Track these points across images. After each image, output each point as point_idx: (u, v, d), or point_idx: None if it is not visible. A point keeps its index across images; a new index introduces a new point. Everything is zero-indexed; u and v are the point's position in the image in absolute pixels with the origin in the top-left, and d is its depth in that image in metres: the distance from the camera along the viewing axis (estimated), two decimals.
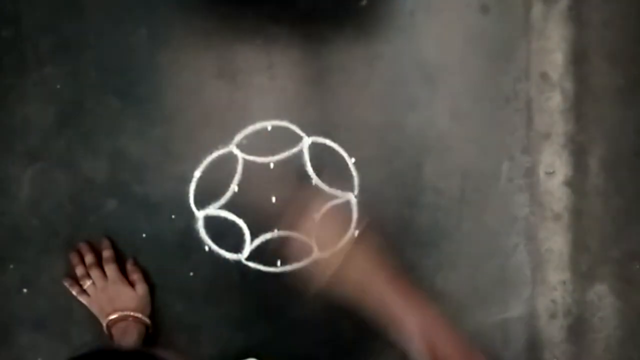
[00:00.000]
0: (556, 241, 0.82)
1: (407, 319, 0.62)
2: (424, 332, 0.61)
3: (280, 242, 0.79)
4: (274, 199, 0.80)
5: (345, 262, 0.69)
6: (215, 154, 0.79)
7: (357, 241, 0.74)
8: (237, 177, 0.80)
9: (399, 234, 0.81)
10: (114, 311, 0.75)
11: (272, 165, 0.80)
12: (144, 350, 0.44)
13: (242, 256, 0.81)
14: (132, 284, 0.78)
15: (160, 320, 0.81)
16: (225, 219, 0.80)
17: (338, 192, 0.80)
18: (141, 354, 0.43)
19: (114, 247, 0.79)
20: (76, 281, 0.78)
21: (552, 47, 0.80)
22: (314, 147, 0.80)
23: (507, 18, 0.79)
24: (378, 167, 0.80)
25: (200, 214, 0.80)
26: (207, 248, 0.80)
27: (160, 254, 0.80)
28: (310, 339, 0.82)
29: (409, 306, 0.63)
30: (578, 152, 0.81)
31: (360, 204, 0.80)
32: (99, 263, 0.78)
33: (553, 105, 0.81)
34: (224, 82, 0.79)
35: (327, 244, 0.74)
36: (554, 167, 0.81)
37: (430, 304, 0.65)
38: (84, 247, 0.79)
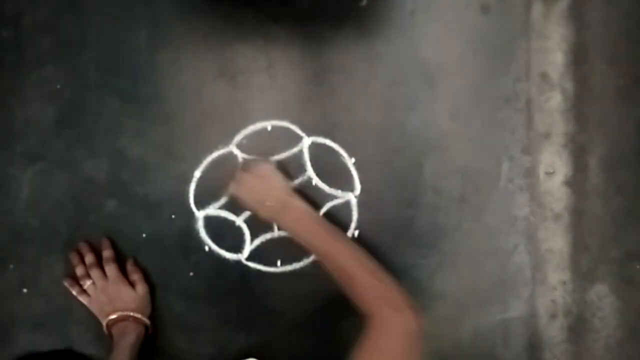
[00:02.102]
0: (556, 241, 0.82)
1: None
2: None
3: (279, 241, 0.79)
4: None
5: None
6: (215, 154, 0.79)
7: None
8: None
9: (399, 234, 0.81)
10: (114, 311, 0.76)
11: None
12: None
13: (242, 256, 0.80)
14: (132, 284, 0.78)
15: (160, 320, 0.81)
16: (225, 219, 0.80)
17: (338, 192, 0.80)
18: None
19: (114, 247, 0.80)
20: (76, 281, 0.78)
21: (552, 47, 0.80)
22: (314, 147, 0.80)
23: (507, 18, 0.79)
24: (378, 167, 0.80)
25: (200, 214, 0.80)
26: (207, 248, 0.80)
27: (160, 254, 0.80)
28: (310, 339, 0.82)
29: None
30: (578, 152, 0.81)
31: (360, 204, 0.80)
32: (99, 263, 0.78)
33: (553, 105, 0.81)
34: (224, 82, 0.79)
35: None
36: (554, 167, 0.81)
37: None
38: (84, 247, 0.79)
